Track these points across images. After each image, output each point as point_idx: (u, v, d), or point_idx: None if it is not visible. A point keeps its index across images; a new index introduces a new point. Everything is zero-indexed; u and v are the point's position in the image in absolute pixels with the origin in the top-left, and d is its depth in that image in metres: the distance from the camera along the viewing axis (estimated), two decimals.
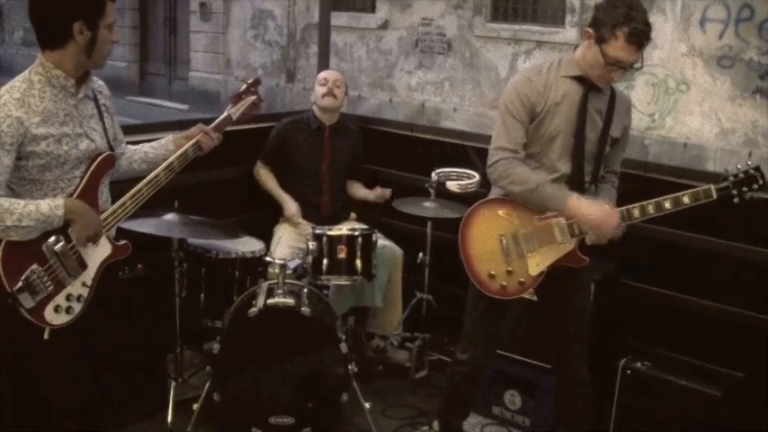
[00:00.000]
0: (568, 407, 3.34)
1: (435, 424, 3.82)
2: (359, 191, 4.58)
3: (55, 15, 2.51)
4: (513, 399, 3.91)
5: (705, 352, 3.68)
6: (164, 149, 2.92)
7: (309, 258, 3.77)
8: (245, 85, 3.10)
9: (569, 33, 8.32)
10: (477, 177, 4.27)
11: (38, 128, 2.49)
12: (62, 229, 2.53)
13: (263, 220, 4.38)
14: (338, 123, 4.48)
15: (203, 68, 13.34)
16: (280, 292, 3.57)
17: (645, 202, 2.94)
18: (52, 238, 2.52)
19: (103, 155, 2.64)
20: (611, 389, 3.61)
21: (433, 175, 4.31)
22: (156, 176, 2.78)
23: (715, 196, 2.87)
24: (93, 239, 2.60)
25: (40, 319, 2.52)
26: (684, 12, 7.26)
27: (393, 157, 4.38)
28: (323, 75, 4.50)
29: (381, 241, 4.11)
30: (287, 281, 3.64)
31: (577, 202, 2.96)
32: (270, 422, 3.57)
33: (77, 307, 2.60)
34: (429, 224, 4.30)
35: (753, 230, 3.65)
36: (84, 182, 2.60)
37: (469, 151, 4.60)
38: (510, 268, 3.08)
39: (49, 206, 2.49)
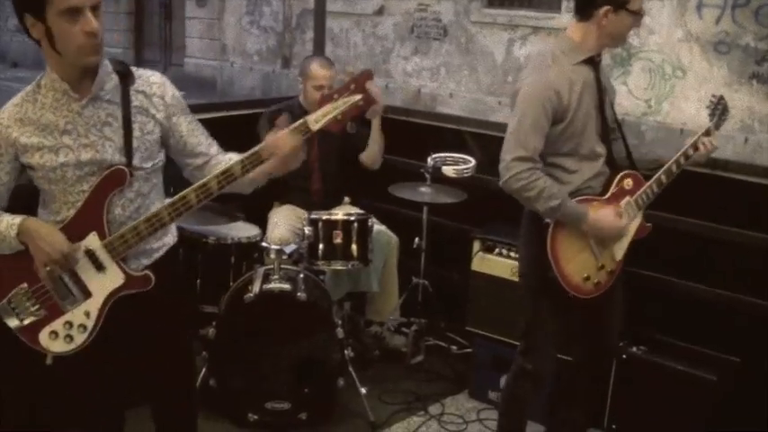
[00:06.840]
0: (577, 386, 3.32)
1: (431, 408, 3.84)
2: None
3: (14, 6, 2.14)
4: None
5: (702, 337, 3.69)
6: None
7: (305, 243, 3.77)
8: (347, 80, 2.28)
9: (565, 19, 8.26)
10: (473, 162, 4.27)
11: (30, 137, 2.22)
12: None
13: (258, 207, 4.36)
14: None
15: (199, 55, 13.26)
16: (276, 277, 3.57)
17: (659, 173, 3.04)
18: None
19: (110, 170, 2.27)
20: (607, 373, 3.61)
21: (429, 160, 4.30)
22: (184, 198, 2.30)
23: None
24: (52, 267, 2.24)
25: (33, 341, 2.36)
26: None
27: (389, 142, 4.36)
28: (321, 75, 4.15)
29: (377, 226, 4.10)
30: (283, 266, 3.64)
31: (594, 216, 2.92)
32: (266, 407, 3.58)
33: (79, 337, 2.35)
34: (425, 209, 4.30)
35: (751, 215, 3.65)
36: (86, 198, 2.27)
37: (465, 136, 4.59)
38: (601, 263, 3.03)
39: (7, 224, 2.26)
